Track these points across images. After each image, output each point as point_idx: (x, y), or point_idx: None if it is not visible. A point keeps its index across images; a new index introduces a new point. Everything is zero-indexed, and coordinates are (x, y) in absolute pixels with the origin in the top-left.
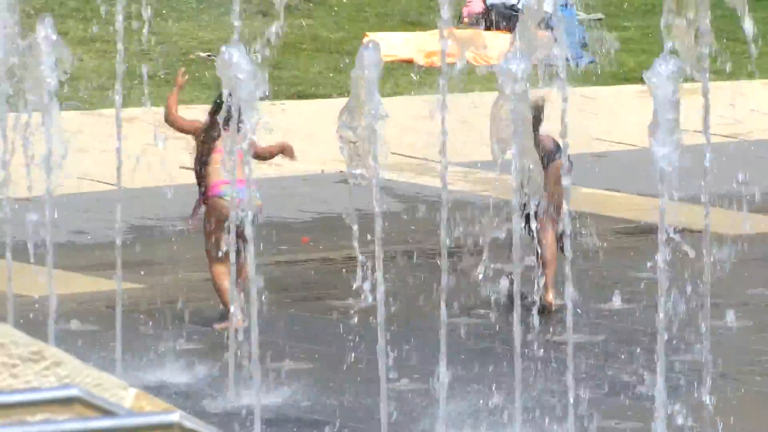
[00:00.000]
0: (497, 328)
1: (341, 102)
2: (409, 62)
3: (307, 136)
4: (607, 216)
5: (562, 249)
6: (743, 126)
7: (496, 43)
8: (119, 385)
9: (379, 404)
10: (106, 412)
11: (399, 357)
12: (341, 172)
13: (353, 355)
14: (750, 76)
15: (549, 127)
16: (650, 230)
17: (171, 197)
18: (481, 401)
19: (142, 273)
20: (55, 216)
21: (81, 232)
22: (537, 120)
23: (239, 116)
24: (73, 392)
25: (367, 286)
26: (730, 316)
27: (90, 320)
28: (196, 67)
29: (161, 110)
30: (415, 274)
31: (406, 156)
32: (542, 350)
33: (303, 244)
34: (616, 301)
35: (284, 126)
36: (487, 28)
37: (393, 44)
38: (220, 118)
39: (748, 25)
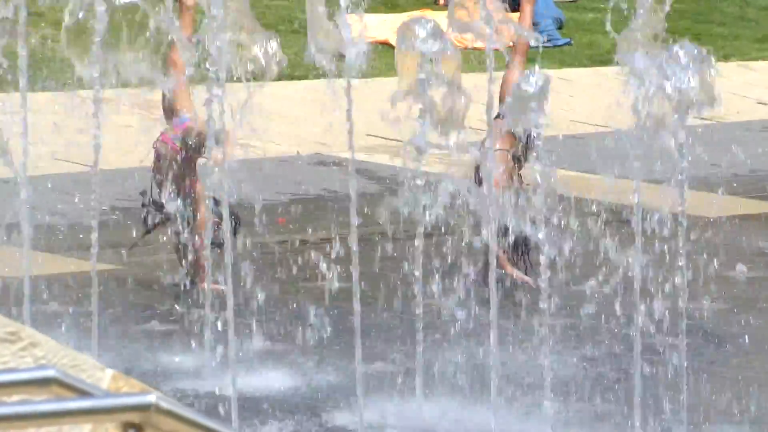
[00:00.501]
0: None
1: (317, 84)
2: (385, 44)
3: (284, 117)
4: (585, 198)
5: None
6: (719, 109)
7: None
8: (96, 366)
9: (354, 386)
10: (83, 393)
11: (369, 342)
12: (317, 153)
13: (322, 337)
14: (726, 58)
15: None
16: (628, 212)
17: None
18: None
19: (121, 253)
20: (31, 197)
21: (58, 213)
22: None
23: None
24: (49, 373)
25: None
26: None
27: (66, 301)
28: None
29: (136, 91)
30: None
31: (383, 138)
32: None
33: (279, 224)
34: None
35: (264, 108)
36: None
37: (369, 26)
38: None
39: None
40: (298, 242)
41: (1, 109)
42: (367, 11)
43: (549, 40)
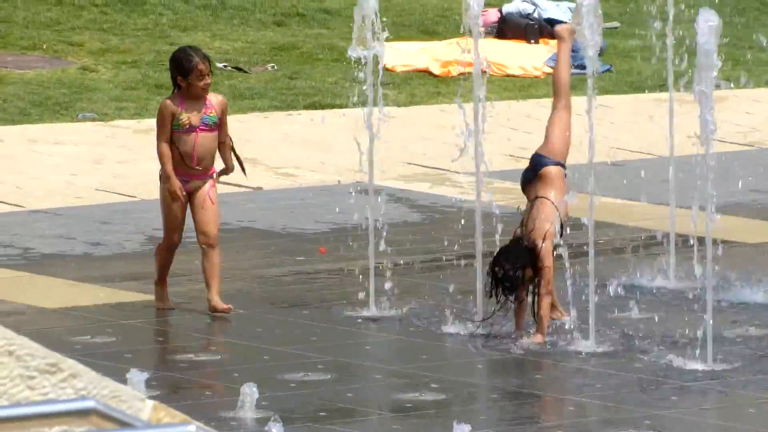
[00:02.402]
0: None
1: (357, 112)
2: (425, 72)
3: (325, 146)
4: (625, 225)
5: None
6: (759, 134)
7: (511, 52)
8: (137, 397)
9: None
10: (124, 424)
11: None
12: (357, 182)
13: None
14: (767, 84)
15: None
16: (666, 239)
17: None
18: None
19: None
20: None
21: (98, 243)
22: None
23: None
24: (89, 404)
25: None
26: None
27: (107, 332)
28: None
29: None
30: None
31: (422, 166)
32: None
33: (320, 254)
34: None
35: (301, 136)
36: (502, 38)
37: (408, 53)
38: None
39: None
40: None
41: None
42: (405, 40)
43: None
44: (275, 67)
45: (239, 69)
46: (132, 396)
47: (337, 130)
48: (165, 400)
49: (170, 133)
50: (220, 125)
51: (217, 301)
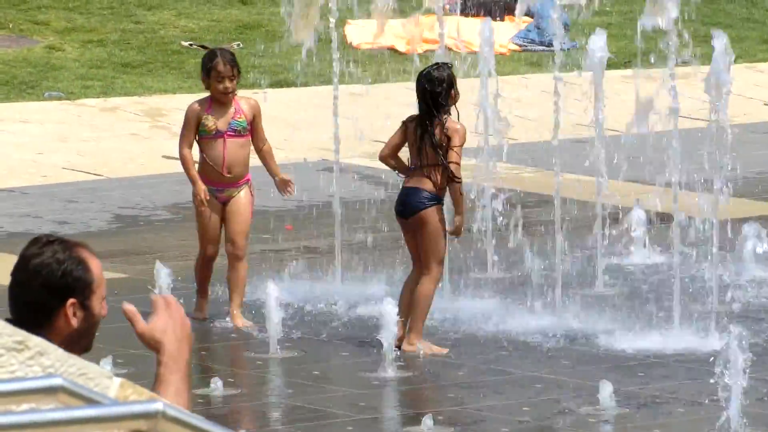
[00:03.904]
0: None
1: (322, 90)
2: (390, 49)
3: (289, 124)
4: (592, 202)
5: None
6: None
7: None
8: (104, 374)
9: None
10: (91, 401)
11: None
12: (323, 159)
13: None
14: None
15: (534, 113)
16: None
17: (154, 186)
18: None
19: (127, 262)
20: (39, 206)
21: (65, 222)
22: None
23: None
24: (56, 382)
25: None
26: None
27: None
28: (179, 56)
29: (143, 99)
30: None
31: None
32: None
33: (287, 231)
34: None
35: (266, 114)
36: (465, 15)
37: (374, 31)
38: None
39: None
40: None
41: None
42: (371, 17)
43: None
44: (241, 45)
45: (205, 47)
46: (99, 373)
47: (303, 108)
48: (130, 376)
49: (197, 138)
50: (253, 131)
51: (236, 318)
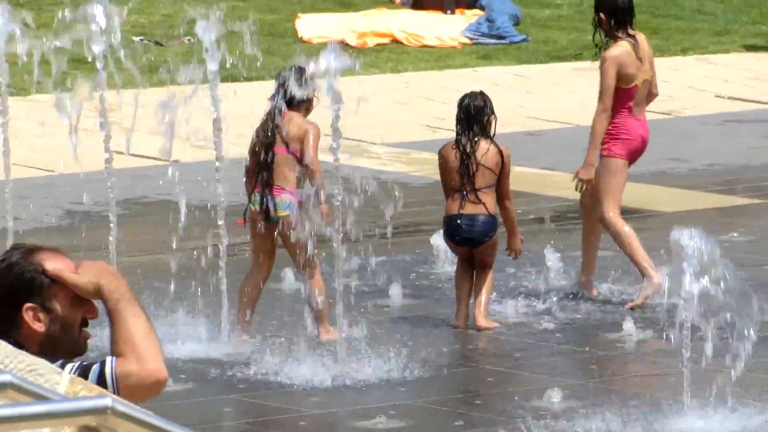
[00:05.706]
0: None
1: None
2: (342, 43)
3: (241, 118)
4: (543, 195)
5: None
6: (677, 102)
7: (428, 22)
8: (54, 370)
9: None
10: (40, 397)
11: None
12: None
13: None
14: (684, 51)
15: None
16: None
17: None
18: None
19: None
20: None
21: (16, 218)
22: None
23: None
24: (5, 377)
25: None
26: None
27: None
28: (131, 51)
29: (96, 94)
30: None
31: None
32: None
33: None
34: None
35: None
36: (416, 8)
37: (325, 25)
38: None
39: None
40: None
41: None
42: (322, 11)
43: (505, 37)
44: (191, 40)
45: (156, 42)
46: (50, 369)
47: (254, 103)
48: None
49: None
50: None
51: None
